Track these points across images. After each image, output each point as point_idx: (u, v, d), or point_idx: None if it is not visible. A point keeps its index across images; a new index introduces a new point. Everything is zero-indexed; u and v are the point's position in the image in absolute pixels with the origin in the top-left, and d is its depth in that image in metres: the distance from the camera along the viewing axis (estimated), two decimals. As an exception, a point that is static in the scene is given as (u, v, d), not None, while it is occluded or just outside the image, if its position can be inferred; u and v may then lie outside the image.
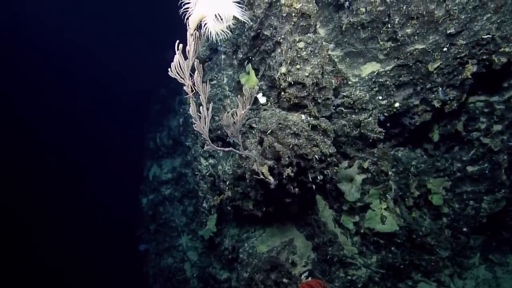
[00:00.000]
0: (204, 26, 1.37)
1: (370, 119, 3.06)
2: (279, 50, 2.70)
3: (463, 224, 3.58)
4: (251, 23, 2.86)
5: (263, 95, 3.03)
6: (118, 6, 19.71)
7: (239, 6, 1.35)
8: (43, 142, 16.00)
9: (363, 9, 2.82)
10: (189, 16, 1.40)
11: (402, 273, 3.63)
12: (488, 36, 2.53)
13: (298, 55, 2.57)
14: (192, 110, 1.73)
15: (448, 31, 2.61)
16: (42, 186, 14.16)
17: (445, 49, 2.69)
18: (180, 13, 1.38)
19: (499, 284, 3.66)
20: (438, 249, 3.54)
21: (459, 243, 3.69)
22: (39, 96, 17.90)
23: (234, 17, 1.37)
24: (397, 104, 3.02)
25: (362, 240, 3.67)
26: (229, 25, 1.35)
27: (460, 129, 3.33)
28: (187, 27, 1.44)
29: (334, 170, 3.44)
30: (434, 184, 3.55)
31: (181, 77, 1.55)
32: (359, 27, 2.93)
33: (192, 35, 1.47)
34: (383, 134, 3.12)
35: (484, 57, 2.64)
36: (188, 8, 1.39)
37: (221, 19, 1.33)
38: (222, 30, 1.39)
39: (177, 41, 1.45)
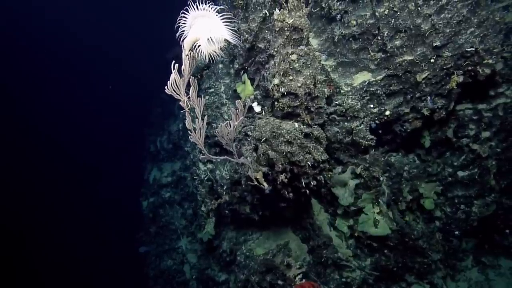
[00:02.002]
0: (197, 48, 1.49)
1: (362, 126, 3.17)
2: (273, 62, 2.82)
3: (455, 228, 3.68)
4: (247, 35, 2.98)
5: (258, 104, 3.15)
6: (116, 12, 19.84)
7: (230, 29, 1.47)
8: (45, 143, 16.16)
9: (354, 22, 2.94)
10: (184, 38, 1.53)
11: (395, 276, 3.72)
12: (471, 49, 2.64)
13: (291, 67, 2.69)
14: (188, 123, 1.84)
15: (435, 44, 2.73)
16: (45, 188, 14.31)
17: (432, 60, 2.80)
18: (177, 36, 1.50)
19: (491, 286, 3.73)
20: (430, 252, 3.63)
21: (451, 246, 3.78)
22: (40, 98, 18.05)
23: (226, 39, 1.49)
24: (388, 112, 3.13)
25: (356, 243, 3.77)
26: (220, 47, 1.46)
27: (450, 135, 3.44)
28: (183, 48, 1.57)
29: (328, 175, 3.55)
30: (426, 189, 3.65)
31: (177, 94, 1.67)
32: (350, 39, 3.05)
33: (187, 55, 1.59)
34: (375, 141, 3.23)
35: (469, 68, 2.75)
36: (183, 31, 1.51)
37: (213, 42, 1.45)
38: (214, 51, 1.51)
39: (173, 61, 1.57)
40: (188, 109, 1.78)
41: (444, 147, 3.58)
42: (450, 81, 2.81)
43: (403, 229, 3.50)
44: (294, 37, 2.66)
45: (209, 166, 4.27)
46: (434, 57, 2.79)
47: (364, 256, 3.76)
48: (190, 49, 1.57)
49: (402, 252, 3.60)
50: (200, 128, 1.94)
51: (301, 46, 2.72)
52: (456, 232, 3.70)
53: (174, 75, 1.61)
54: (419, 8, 2.65)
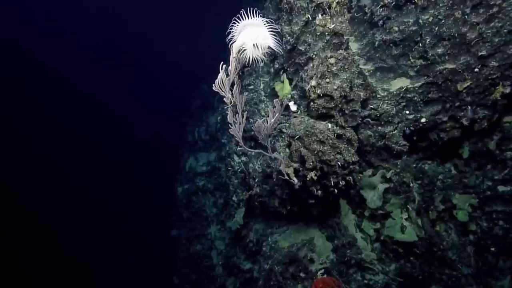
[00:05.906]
0: (242, 52, 1.69)
1: (395, 132, 3.19)
2: (311, 65, 2.95)
3: (491, 244, 3.54)
4: (289, 37, 3.14)
5: (295, 103, 3.30)
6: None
7: (275, 38, 1.65)
8: (91, 131, 17.48)
9: (396, 28, 2.96)
10: (233, 43, 1.74)
11: (420, 284, 3.68)
12: (521, 59, 2.55)
13: (329, 70, 2.80)
14: (229, 117, 2.07)
15: (480, 53, 2.67)
16: (90, 169, 15.64)
17: (476, 70, 2.74)
18: (227, 40, 1.72)
19: (529, 311, 3.55)
20: (460, 264, 3.55)
21: (486, 262, 3.65)
22: (83, 90, 19.28)
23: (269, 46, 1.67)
24: (423, 120, 3.11)
25: (381, 247, 3.79)
26: (264, 53, 1.65)
27: (493, 148, 3.32)
28: (231, 51, 1.78)
29: (359, 177, 3.61)
30: (460, 200, 3.56)
31: (222, 91, 1.90)
32: (391, 44, 3.07)
33: (234, 57, 1.80)
34: (408, 147, 3.23)
35: (519, 79, 2.66)
36: (233, 36, 1.72)
37: (258, 48, 1.64)
38: (258, 55, 1.70)
39: (221, 62, 1.80)
40: (230, 104, 2.00)
41: (484, 159, 3.45)
42: (494, 91, 2.74)
43: (431, 237, 3.46)
44: (334, 41, 2.77)
45: (243, 158, 4.52)
46: (479, 67, 2.73)
47: (389, 261, 3.76)
48: (237, 53, 1.78)
49: (429, 261, 3.56)
50: (240, 123, 2.16)
51: (340, 51, 2.82)
52: (492, 249, 3.57)
53: (221, 74, 1.84)
54: (466, 17, 2.61)
